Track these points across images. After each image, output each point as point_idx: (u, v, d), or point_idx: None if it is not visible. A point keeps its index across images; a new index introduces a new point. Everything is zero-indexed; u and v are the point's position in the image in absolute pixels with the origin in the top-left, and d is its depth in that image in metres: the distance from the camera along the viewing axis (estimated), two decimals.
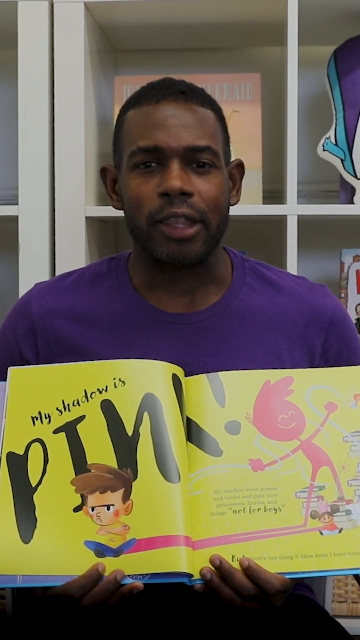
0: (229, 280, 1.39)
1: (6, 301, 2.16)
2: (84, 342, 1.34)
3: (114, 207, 1.38)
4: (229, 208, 1.34)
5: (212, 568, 1.10)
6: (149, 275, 1.36)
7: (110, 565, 1.11)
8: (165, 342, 1.33)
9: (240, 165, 1.38)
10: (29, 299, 1.40)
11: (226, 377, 1.24)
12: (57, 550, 1.12)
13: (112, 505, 1.14)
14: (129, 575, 1.11)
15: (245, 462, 1.19)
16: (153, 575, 1.11)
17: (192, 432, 1.20)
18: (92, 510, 1.14)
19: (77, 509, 1.14)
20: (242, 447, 1.19)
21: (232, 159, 1.38)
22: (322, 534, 1.15)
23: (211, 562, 1.10)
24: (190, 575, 1.11)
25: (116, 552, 1.11)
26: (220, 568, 1.10)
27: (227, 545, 1.13)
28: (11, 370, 1.24)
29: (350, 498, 1.17)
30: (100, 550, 1.11)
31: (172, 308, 1.36)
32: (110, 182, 1.38)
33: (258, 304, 1.36)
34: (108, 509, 1.14)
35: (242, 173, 1.38)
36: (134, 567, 1.10)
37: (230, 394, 1.23)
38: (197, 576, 1.11)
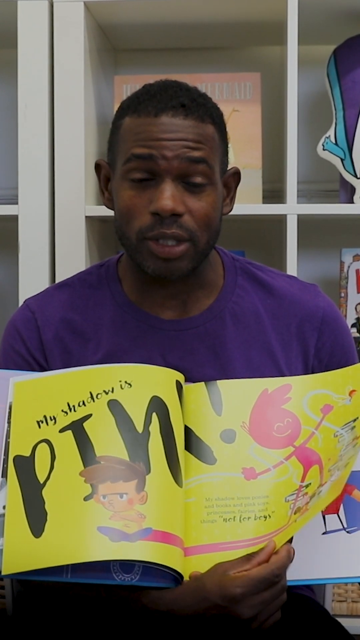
0: (220, 283, 1.39)
1: (6, 301, 2.16)
2: (86, 354, 1.34)
3: (105, 204, 1.38)
4: (220, 221, 1.33)
5: None
6: (140, 282, 1.36)
7: (126, 550, 1.09)
8: (162, 349, 1.33)
9: (237, 174, 1.37)
10: (30, 313, 1.38)
11: (224, 386, 1.24)
12: (70, 539, 1.10)
13: (126, 493, 1.12)
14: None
15: (239, 471, 1.18)
16: (142, 577, 1.10)
17: (188, 439, 1.20)
18: (104, 498, 1.12)
19: (87, 498, 1.12)
20: (236, 455, 1.19)
21: (231, 161, 1.37)
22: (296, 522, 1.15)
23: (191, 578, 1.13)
24: (179, 582, 1.11)
25: (132, 538, 1.09)
26: None
27: (214, 554, 1.14)
28: (14, 384, 1.23)
29: (325, 481, 1.17)
30: (116, 535, 1.09)
31: (166, 314, 1.36)
32: (103, 179, 1.38)
33: (250, 306, 1.37)
34: (121, 497, 1.12)
35: (238, 181, 1.37)
36: (148, 554, 1.09)
37: (228, 403, 1.23)
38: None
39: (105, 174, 1.37)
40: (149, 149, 1.25)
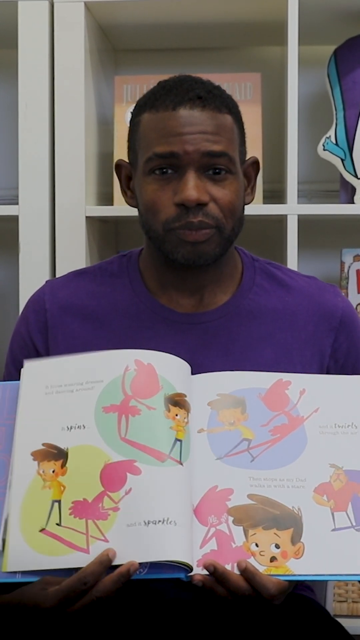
0: (238, 280, 1.39)
1: (6, 301, 2.16)
2: (94, 341, 1.34)
3: (128, 203, 1.39)
4: (244, 209, 1.35)
5: (204, 575, 1.09)
6: (160, 274, 1.37)
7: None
8: (174, 341, 1.33)
9: (255, 163, 1.38)
10: (42, 295, 1.40)
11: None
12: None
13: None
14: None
15: None
16: (150, 570, 1.09)
17: None
18: None
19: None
20: None
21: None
22: None
23: (205, 568, 1.09)
24: (187, 571, 1.10)
25: None
26: (214, 573, 1.09)
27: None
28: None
29: None
30: None
31: (182, 307, 1.36)
32: (125, 179, 1.39)
33: (268, 304, 1.37)
34: None
35: (257, 170, 1.39)
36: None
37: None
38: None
39: (126, 174, 1.38)
40: (170, 145, 1.26)
